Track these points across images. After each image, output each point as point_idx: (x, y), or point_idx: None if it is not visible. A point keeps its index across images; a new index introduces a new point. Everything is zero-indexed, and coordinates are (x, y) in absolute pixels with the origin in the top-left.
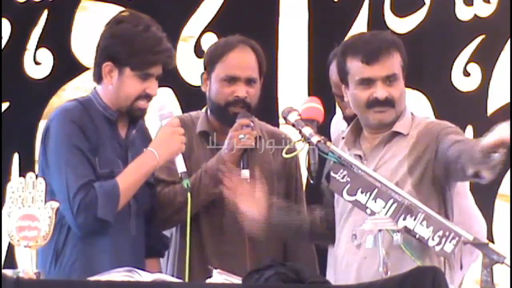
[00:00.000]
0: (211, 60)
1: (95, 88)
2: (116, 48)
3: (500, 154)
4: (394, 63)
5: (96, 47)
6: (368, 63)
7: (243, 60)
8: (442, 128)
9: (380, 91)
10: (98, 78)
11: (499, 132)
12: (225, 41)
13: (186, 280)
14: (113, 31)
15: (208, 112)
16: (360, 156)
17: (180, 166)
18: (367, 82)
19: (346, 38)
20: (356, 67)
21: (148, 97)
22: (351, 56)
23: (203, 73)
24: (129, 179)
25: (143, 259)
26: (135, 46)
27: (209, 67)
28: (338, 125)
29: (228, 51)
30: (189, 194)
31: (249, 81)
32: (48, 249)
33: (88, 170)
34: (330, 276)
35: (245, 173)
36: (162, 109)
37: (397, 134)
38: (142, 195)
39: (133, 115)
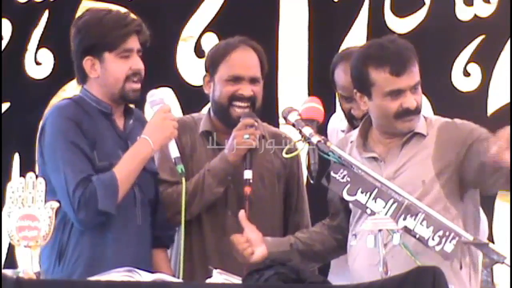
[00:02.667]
0: (213, 62)
1: (83, 86)
2: (87, 38)
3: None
4: (416, 71)
5: (72, 51)
6: (398, 75)
7: (246, 59)
8: (471, 130)
9: (409, 101)
10: (82, 78)
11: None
12: (226, 42)
13: (180, 277)
14: (78, 26)
15: (211, 112)
16: (375, 158)
17: (173, 151)
18: (396, 93)
19: (345, 41)
20: (384, 79)
21: (136, 75)
22: (376, 67)
23: (205, 76)
24: (125, 168)
25: (149, 249)
26: (103, 28)
27: (211, 69)
28: (335, 124)
29: (230, 52)
30: (183, 179)
31: (253, 80)
32: (52, 248)
33: (86, 165)
34: (333, 275)
35: (248, 173)
36: (153, 95)
37: (415, 135)
38: (146, 184)
39: (127, 98)
